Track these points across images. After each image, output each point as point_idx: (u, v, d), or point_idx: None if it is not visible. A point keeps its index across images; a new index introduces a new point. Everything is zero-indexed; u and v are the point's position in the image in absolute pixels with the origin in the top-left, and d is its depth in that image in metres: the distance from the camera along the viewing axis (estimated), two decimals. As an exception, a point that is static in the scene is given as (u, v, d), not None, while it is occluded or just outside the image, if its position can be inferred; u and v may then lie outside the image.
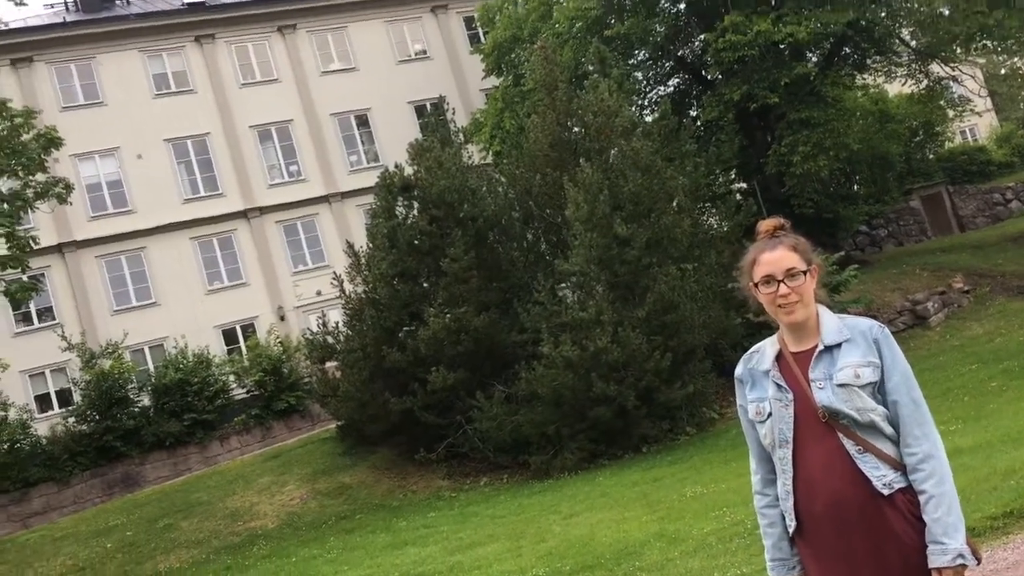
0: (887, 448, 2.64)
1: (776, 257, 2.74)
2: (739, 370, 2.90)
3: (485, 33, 29.35)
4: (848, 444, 2.64)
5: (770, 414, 2.77)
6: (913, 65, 26.25)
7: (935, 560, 2.53)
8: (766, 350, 2.85)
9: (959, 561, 2.51)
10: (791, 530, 2.79)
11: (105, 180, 28.32)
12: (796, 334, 2.77)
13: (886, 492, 2.60)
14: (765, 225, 2.87)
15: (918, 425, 2.63)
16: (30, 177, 18.68)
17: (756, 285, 2.77)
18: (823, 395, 2.66)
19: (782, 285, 2.71)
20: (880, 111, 26.58)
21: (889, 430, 2.65)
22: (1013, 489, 6.65)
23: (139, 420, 22.40)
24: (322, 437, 19.87)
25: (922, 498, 2.58)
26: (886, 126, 25.52)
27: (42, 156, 18.61)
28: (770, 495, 2.87)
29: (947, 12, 22.16)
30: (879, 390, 2.66)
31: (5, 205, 18.68)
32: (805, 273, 2.73)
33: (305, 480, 17.45)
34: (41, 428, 22.95)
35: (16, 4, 18.86)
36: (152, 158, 28.64)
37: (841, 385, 2.64)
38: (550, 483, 15.01)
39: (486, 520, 12.77)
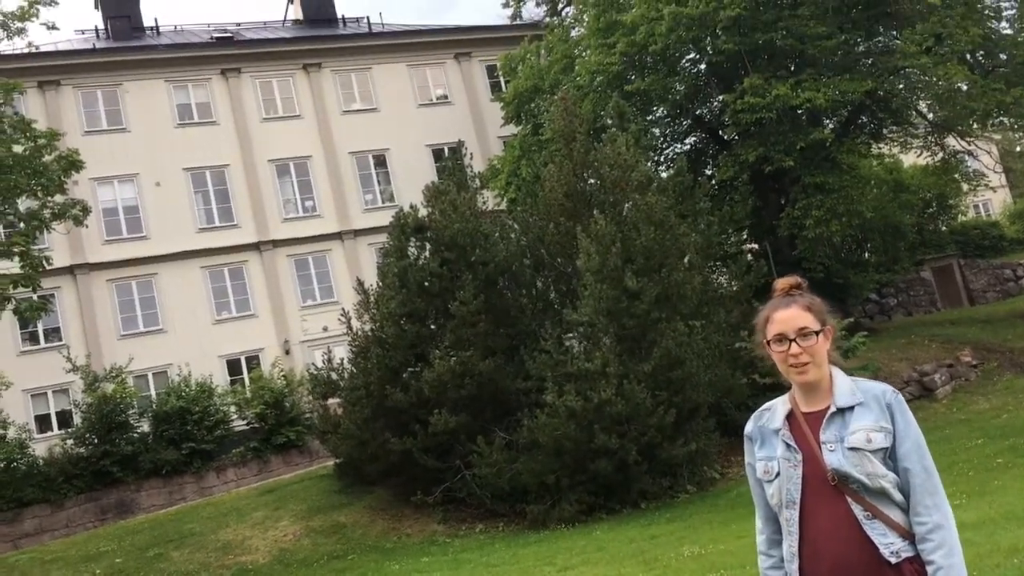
0: (896, 515, 2.61)
1: (789, 316, 2.73)
2: (749, 427, 2.89)
3: (506, 82, 29.72)
4: (857, 509, 2.61)
5: (778, 474, 2.75)
6: (929, 137, 26.44)
7: None
8: (777, 409, 2.83)
9: None
10: None
11: (122, 205, 28.59)
12: (808, 394, 2.75)
13: (893, 560, 2.56)
14: (781, 283, 2.86)
15: (929, 495, 2.60)
16: (48, 198, 18.87)
17: (768, 343, 2.77)
18: (833, 458, 2.63)
19: (794, 344, 2.70)
20: (894, 181, 26.70)
21: (899, 497, 2.62)
22: (1016, 568, 6.56)
23: (137, 446, 22.30)
24: (319, 474, 19.75)
25: (930, 569, 2.54)
26: (900, 196, 25.61)
27: (62, 178, 18.81)
28: (775, 556, 2.83)
29: (965, 88, 22.35)
30: (890, 456, 2.63)
31: (22, 224, 18.86)
32: (818, 333, 2.71)
33: (300, 516, 17.31)
34: (39, 448, 22.88)
35: (48, 28, 19.22)
36: (170, 186, 28.92)
37: (852, 449, 2.61)
38: (546, 534, 14.85)
39: (480, 568, 12.62)
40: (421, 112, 32.57)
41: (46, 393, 26.16)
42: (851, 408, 2.67)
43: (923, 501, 2.59)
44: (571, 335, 17.14)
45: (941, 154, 26.67)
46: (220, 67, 30.54)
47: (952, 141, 26.31)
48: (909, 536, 2.60)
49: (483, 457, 15.99)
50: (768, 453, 2.80)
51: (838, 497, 2.63)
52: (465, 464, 16.56)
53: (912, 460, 2.62)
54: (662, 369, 15.72)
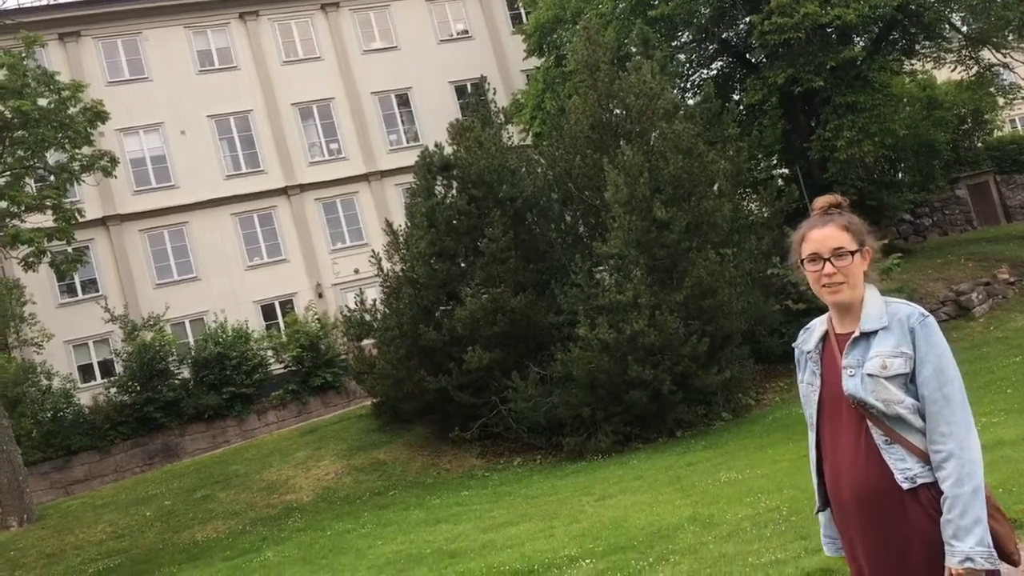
0: (917, 440, 2.56)
1: (824, 235, 2.68)
2: (795, 348, 2.91)
3: (527, 13, 29.21)
4: (876, 434, 2.58)
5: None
6: (963, 51, 25.68)
7: (948, 560, 2.47)
8: (815, 329, 2.82)
9: (967, 564, 2.43)
10: (816, 508, 2.83)
11: (149, 155, 28.68)
12: (842, 315, 2.73)
13: (906, 486, 2.54)
14: (820, 201, 2.79)
15: (945, 422, 2.52)
16: (76, 150, 18.98)
17: (803, 262, 2.73)
18: (851, 383, 2.61)
19: (827, 264, 2.66)
20: (928, 97, 26.07)
21: (919, 423, 2.56)
22: (1056, 483, 6.54)
23: (179, 392, 22.77)
24: (357, 414, 20.07)
25: (942, 497, 2.50)
26: (934, 113, 25.03)
27: (88, 130, 18.90)
28: None
29: (1000, -4, 21.66)
30: (912, 381, 2.57)
31: (52, 177, 19.03)
32: (854, 254, 2.66)
33: (340, 455, 17.64)
34: (84, 398, 23.41)
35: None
36: (195, 134, 28.95)
37: (870, 375, 2.58)
38: (583, 465, 15.03)
39: (519, 500, 12.82)
40: (442, 48, 32.17)
41: (87, 343, 26.65)
42: (875, 332, 2.63)
43: (938, 428, 2.52)
44: (602, 268, 17.11)
45: (976, 68, 25.93)
46: (238, 11, 30.27)
47: (987, 54, 25.55)
48: (929, 462, 2.55)
49: (518, 392, 16.13)
50: (802, 376, 2.83)
51: (860, 421, 2.61)
52: (501, 399, 16.72)
53: (929, 387, 2.54)
54: (694, 298, 15.67)
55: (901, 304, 2.67)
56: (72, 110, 18.60)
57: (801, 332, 2.88)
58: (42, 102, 18.18)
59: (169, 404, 22.57)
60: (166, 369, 22.96)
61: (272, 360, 24.58)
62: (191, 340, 25.95)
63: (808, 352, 2.79)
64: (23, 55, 18.26)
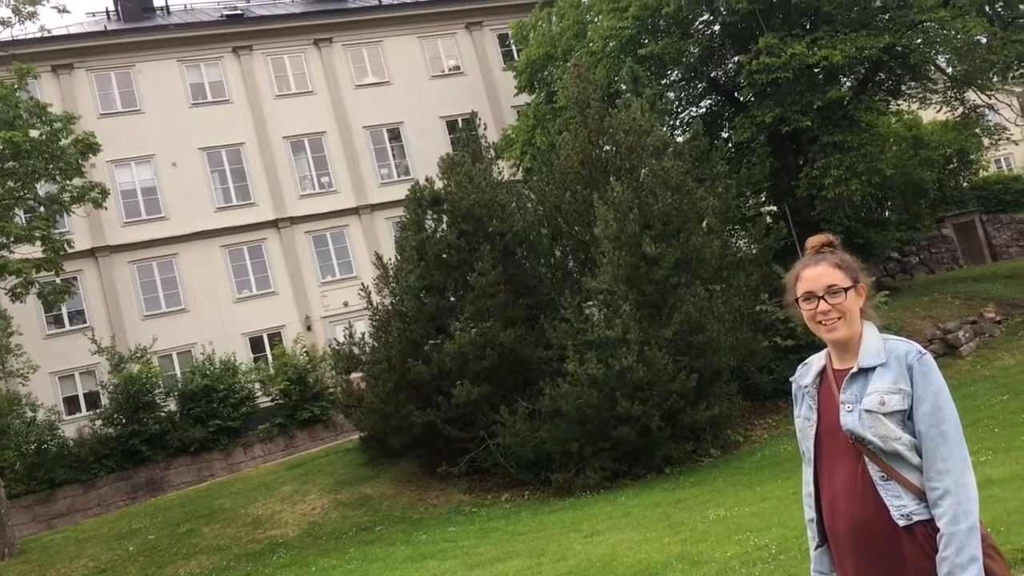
0: (913, 477, 2.58)
1: (817, 273, 2.73)
2: (793, 382, 2.93)
3: (518, 50, 29.52)
4: (873, 469, 2.60)
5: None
6: (948, 92, 26.02)
7: None
8: (812, 365, 2.85)
9: None
10: (813, 546, 2.82)
11: (140, 187, 28.72)
12: (840, 352, 2.76)
13: (902, 523, 2.55)
14: (813, 241, 2.85)
15: (941, 459, 2.54)
16: (67, 182, 19.00)
17: (798, 301, 2.77)
18: (849, 419, 2.63)
19: (822, 302, 2.70)
20: (914, 137, 26.38)
21: (916, 460, 2.58)
22: (1043, 522, 6.54)
23: (165, 425, 22.58)
24: (345, 448, 19.93)
25: (938, 534, 2.51)
26: (920, 152, 25.30)
27: (79, 161, 18.93)
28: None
29: (984, 40, 21.98)
30: (909, 418, 2.60)
31: (42, 208, 19.02)
32: (847, 290, 2.70)
33: (327, 490, 17.50)
34: (68, 430, 23.20)
35: (59, 12, 19.27)
36: (187, 166, 29.01)
37: (867, 411, 2.60)
38: (572, 501, 14.95)
39: (507, 536, 12.73)
40: (434, 84, 32.43)
41: (73, 375, 26.48)
42: (873, 369, 2.65)
43: (935, 466, 2.54)
44: (591, 303, 17.13)
45: (961, 109, 26.25)
46: (231, 45, 30.49)
47: (972, 95, 25.89)
48: (926, 499, 2.56)
49: (506, 427, 16.07)
50: (798, 411, 2.85)
51: (857, 456, 2.63)
52: (489, 434, 16.66)
53: (926, 424, 2.57)
54: (683, 334, 15.70)
55: (899, 341, 2.70)
56: (64, 142, 18.64)
57: (799, 367, 2.91)
58: (34, 133, 18.22)
59: (155, 437, 22.37)
60: (152, 402, 22.78)
61: (259, 393, 24.44)
62: (178, 372, 25.82)
63: (805, 387, 2.81)
64: (15, 86, 18.32)
